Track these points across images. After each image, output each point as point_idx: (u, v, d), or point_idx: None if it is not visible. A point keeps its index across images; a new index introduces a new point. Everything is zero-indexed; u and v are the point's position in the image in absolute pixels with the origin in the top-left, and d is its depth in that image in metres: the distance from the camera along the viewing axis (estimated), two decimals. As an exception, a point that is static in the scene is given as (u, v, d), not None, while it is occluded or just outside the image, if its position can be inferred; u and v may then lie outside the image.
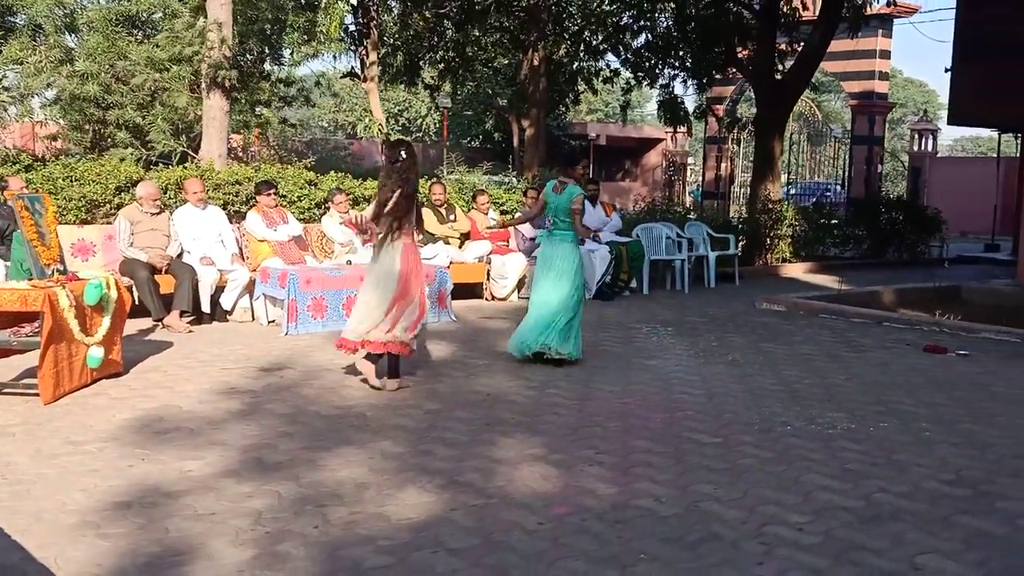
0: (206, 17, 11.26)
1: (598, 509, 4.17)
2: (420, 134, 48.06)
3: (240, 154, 15.73)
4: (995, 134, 29.73)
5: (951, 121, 19.38)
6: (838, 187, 30.85)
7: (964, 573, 3.62)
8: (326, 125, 55.02)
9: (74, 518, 3.91)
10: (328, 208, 9.96)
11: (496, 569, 3.53)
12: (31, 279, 5.83)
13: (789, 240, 15.93)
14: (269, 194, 9.20)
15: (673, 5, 17.36)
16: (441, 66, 20.67)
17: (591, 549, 3.74)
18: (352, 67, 20.45)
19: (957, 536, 3.97)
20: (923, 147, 31.21)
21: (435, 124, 45.86)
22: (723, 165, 31.83)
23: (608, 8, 18.56)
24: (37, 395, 5.63)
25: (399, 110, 48.77)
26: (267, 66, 16.39)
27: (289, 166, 10.92)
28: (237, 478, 4.46)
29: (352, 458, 4.82)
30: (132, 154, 12.35)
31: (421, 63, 20.61)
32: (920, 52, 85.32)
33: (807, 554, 3.74)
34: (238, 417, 5.55)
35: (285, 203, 9.90)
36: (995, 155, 33.22)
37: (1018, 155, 23.05)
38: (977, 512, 4.26)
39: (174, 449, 4.88)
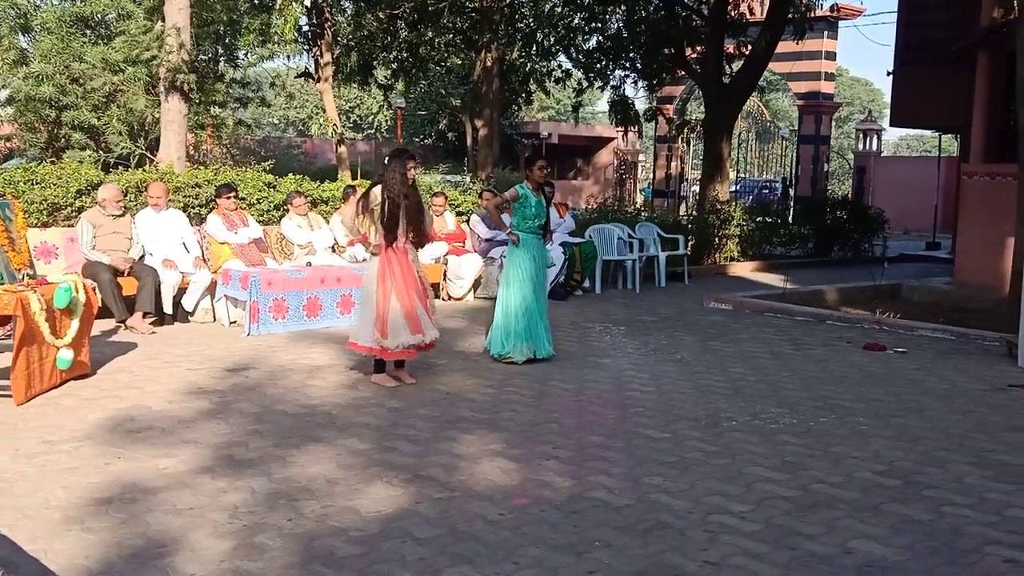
0: (163, 20, 11.34)
1: (555, 501, 4.45)
2: (372, 131, 48.10)
3: (193, 153, 15.80)
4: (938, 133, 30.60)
5: (893, 122, 20.07)
6: (778, 185, 31.54)
7: (891, 556, 3.94)
8: (276, 122, 54.76)
9: (58, 514, 4.10)
10: (287, 210, 10.12)
11: (461, 557, 3.79)
12: (2, 283, 5.96)
13: (737, 240, 16.35)
14: (229, 197, 9.35)
15: (623, 8, 17.71)
16: (395, 66, 20.85)
17: (549, 537, 4.02)
18: (306, 67, 20.54)
19: (886, 522, 4.30)
20: (868, 146, 32.00)
21: (386, 121, 45.91)
22: (673, 164, 32.35)
23: (560, 10, 18.86)
24: (10, 396, 5.78)
25: (350, 107, 48.73)
26: (221, 66, 16.46)
27: (248, 169, 11.04)
28: (211, 474, 4.67)
29: (320, 455, 5.05)
30: (90, 156, 12.39)
31: (374, 63, 20.76)
32: (866, 51, 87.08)
33: (748, 540, 4.05)
34: (207, 416, 5.74)
35: (244, 205, 10.05)
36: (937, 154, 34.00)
37: (957, 155, 23.78)
38: (906, 500, 4.60)
39: (148, 447, 5.07)
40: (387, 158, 6.88)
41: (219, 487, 4.49)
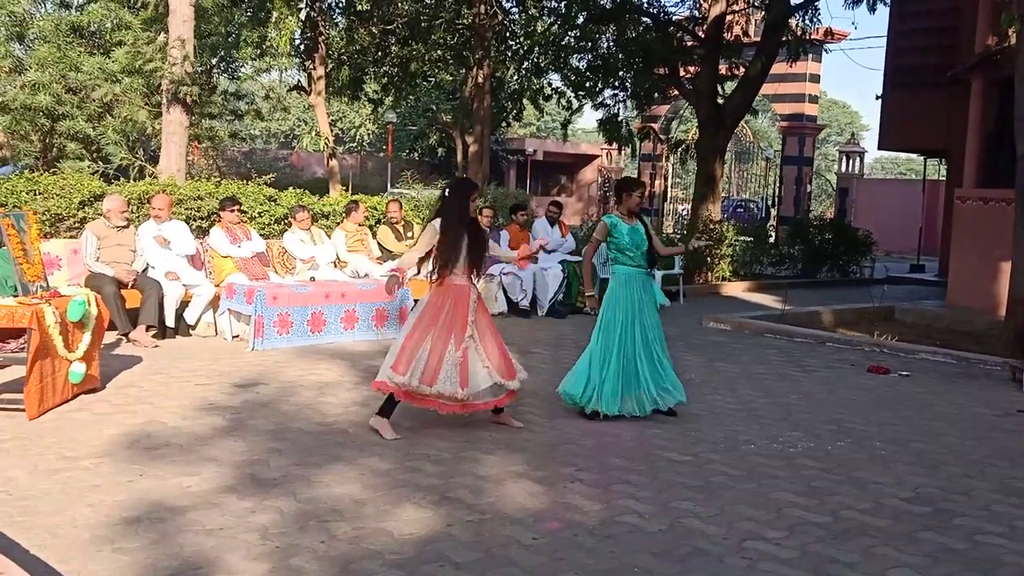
0: (165, 32, 11.27)
1: (587, 525, 4.40)
2: (353, 144, 47.96)
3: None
4: (915, 156, 30.92)
5: (881, 146, 20.26)
6: (757, 204, 31.80)
7: (930, 583, 3.94)
8: (257, 133, 54.45)
9: (87, 533, 4.01)
10: (289, 224, 10.05)
11: (503, 582, 3.74)
12: (16, 295, 5.87)
13: (729, 259, 16.41)
14: (233, 210, 9.28)
15: (614, 28, 17.76)
16: (384, 80, 20.81)
17: (587, 563, 3.97)
18: (298, 80, 20.46)
19: (923, 551, 4.28)
20: (851, 168, 32.26)
21: (368, 135, 45.79)
22: (657, 182, 32.51)
23: (553, 30, 18.90)
24: (21, 410, 5.68)
25: (332, 120, 48.55)
26: (216, 78, 16.38)
27: (249, 182, 10.96)
28: (237, 494, 4.59)
29: (344, 474, 4.98)
30: (88, 167, 12.27)
31: (365, 77, 20.70)
32: (844, 74, 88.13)
33: (787, 568, 4.02)
34: (224, 433, 5.66)
35: (246, 219, 9.97)
36: (915, 176, 34.31)
37: (940, 179, 24.01)
38: (938, 528, 4.58)
39: (168, 465, 4.99)
40: (446, 188, 6.19)
41: (246, 507, 4.42)
